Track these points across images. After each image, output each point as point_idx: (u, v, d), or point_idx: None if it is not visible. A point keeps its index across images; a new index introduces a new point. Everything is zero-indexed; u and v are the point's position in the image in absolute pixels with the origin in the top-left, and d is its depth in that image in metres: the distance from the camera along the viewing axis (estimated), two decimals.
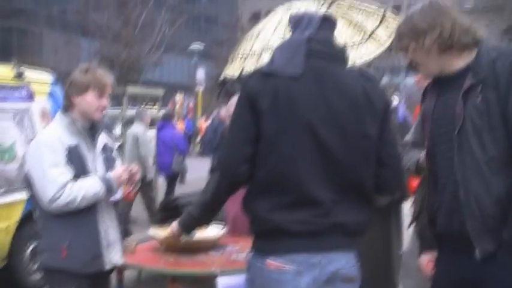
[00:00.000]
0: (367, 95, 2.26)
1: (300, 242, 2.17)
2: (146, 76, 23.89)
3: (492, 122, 2.18)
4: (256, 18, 52.26)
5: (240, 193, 2.36)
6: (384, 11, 4.75)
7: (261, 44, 4.82)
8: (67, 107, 3.06)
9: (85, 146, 3.05)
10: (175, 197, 5.79)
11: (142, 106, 13.99)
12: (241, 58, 4.94)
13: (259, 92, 2.20)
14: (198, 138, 27.84)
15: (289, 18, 2.43)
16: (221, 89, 5.14)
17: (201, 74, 28.50)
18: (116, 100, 10.72)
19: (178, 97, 34.23)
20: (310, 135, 2.19)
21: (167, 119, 10.20)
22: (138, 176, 3.24)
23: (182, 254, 3.58)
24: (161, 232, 3.85)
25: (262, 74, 2.25)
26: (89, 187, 2.95)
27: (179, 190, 9.80)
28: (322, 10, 4.89)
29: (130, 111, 10.22)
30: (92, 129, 3.10)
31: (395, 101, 9.46)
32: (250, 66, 4.82)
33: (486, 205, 2.19)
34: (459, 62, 2.32)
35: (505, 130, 2.17)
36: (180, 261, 3.50)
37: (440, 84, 2.41)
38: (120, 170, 3.11)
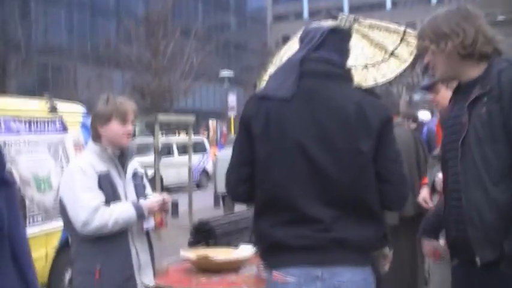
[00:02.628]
0: (362, 111, 2.24)
1: (300, 256, 2.21)
2: (178, 104, 24.29)
3: (495, 133, 2.19)
4: (285, 42, 52.57)
5: None
6: (405, 30, 4.80)
7: None
8: (95, 137, 3.20)
9: (116, 173, 3.17)
10: (207, 220, 5.86)
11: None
12: (266, 81, 5.03)
13: (252, 117, 2.29)
14: None
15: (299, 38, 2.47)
16: None
17: (232, 99, 28.82)
18: (149, 128, 10.94)
19: (211, 124, 34.53)
20: (302, 156, 2.22)
21: None
22: (169, 205, 3.36)
23: (214, 274, 3.67)
24: (193, 253, 3.95)
25: (257, 98, 2.34)
26: (121, 212, 3.06)
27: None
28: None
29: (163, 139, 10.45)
30: (121, 156, 3.22)
31: (425, 116, 9.47)
32: None
33: (487, 215, 2.19)
34: (475, 71, 2.32)
35: (506, 142, 2.17)
36: (211, 281, 3.58)
37: (457, 93, 2.44)
38: (153, 198, 3.24)
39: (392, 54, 4.72)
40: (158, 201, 3.23)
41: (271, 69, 5.29)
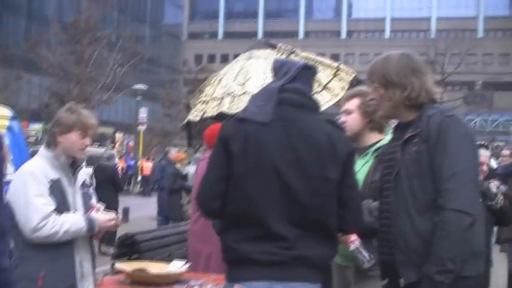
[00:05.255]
0: (332, 141, 2.47)
1: (263, 271, 2.38)
2: (96, 115, 23.72)
3: (422, 170, 2.49)
4: (198, 61, 52.92)
5: (213, 232, 2.60)
6: (338, 65, 5.12)
7: (223, 90, 5.07)
8: (51, 143, 3.22)
9: (66, 181, 3.20)
10: (133, 234, 5.89)
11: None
12: (203, 102, 5.18)
13: (231, 136, 2.45)
14: (139, 178, 27.77)
15: (272, 64, 2.69)
16: (187, 132, 5.35)
17: (143, 113, 28.57)
18: None
19: (118, 136, 33.91)
20: (276, 178, 2.40)
21: None
22: (117, 226, 3.43)
23: (147, 287, 3.73)
24: (128, 266, 3.99)
25: (236, 120, 2.51)
26: (73, 223, 3.10)
27: (124, 229, 9.83)
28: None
29: None
30: (72, 165, 3.26)
31: None
32: (211, 110, 5.07)
33: (412, 241, 2.50)
34: (412, 115, 2.64)
35: (431, 178, 2.47)
36: None
37: (395, 132, 2.77)
38: (107, 216, 3.29)
39: (325, 87, 5.02)
40: (110, 222, 3.28)
41: (207, 90, 5.45)
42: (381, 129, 3.38)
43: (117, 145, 33.84)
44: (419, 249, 2.48)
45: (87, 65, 17.00)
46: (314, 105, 2.59)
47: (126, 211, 13.12)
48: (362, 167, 3.30)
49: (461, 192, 2.41)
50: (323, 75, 5.01)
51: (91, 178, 3.55)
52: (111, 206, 10.51)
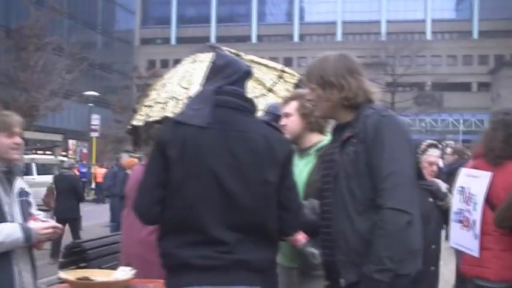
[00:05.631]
0: (269, 144, 2.46)
1: (204, 276, 2.35)
2: (44, 122, 23.24)
3: (359, 169, 2.50)
4: (151, 66, 52.51)
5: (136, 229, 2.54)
6: (282, 68, 5.15)
7: (167, 94, 5.04)
8: None
9: (1, 190, 3.11)
10: (80, 242, 5.81)
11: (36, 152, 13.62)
12: (148, 106, 5.13)
13: (169, 141, 2.42)
14: (93, 185, 27.37)
15: (215, 60, 2.66)
16: (133, 137, 5.29)
17: (96, 120, 28.19)
18: None
19: (71, 144, 33.36)
20: (215, 181, 2.38)
21: None
22: (58, 234, 3.31)
23: None
24: (71, 275, 3.93)
25: (174, 123, 2.48)
26: (9, 234, 3.00)
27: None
28: None
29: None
30: (8, 173, 3.18)
31: None
32: (155, 114, 5.02)
33: (351, 241, 2.51)
34: (349, 116, 2.65)
35: (369, 177, 2.48)
36: None
37: (334, 133, 2.79)
38: (45, 225, 3.16)
39: (270, 90, 5.04)
40: (48, 230, 3.16)
41: (153, 95, 5.40)
42: (320, 130, 3.42)
43: (70, 152, 33.33)
44: (359, 249, 2.49)
45: (34, 72, 16.58)
46: (251, 108, 2.58)
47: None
48: (304, 167, 3.33)
49: (399, 191, 2.43)
50: (267, 78, 5.03)
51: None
52: (72, 215, 10.46)
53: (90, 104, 28.40)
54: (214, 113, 2.45)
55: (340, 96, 2.61)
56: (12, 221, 3.11)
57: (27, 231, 3.06)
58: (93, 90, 29.49)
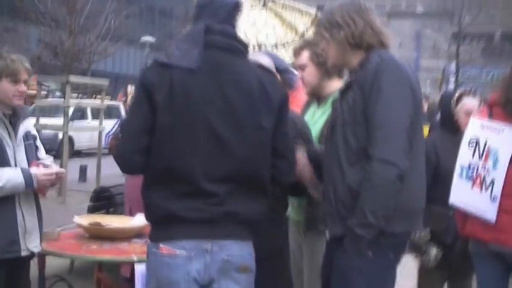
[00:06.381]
0: (264, 88, 2.28)
1: (192, 229, 2.21)
2: (97, 66, 23.39)
3: (356, 117, 2.34)
4: None
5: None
6: (316, 13, 4.90)
7: None
8: None
9: (5, 134, 3.05)
10: (108, 187, 5.82)
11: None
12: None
13: (155, 85, 2.21)
14: None
15: (197, 2, 2.41)
16: None
17: None
18: (61, 90, 10.56)
19: (130, 89, 33.88)
20: (206, 128, 2.21)
21: None
22: (62, 180, 3.27)
23: (105, 242, 3.65)
24: (85, 220, 3.92)
25: (159, 65, 2.24)
26: (10, 179, 2.95)
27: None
28: (257, 9, 5.01)
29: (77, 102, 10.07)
30: (13, 117, 3.11)
31: None
32: None
33: (340, 192, 2.36)
34: (357, 61, 2.46)
35: (365, 126, 2.31)
36: (102, 248, 3.56)
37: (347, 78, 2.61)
38: (47, 171, 3.10)
39: (302, 36, 4.82)
40: (50, 176, 3.10)
41: None
42: (340, 73, 3.19)
43: (129, 98, 33.75)
44: (346, 201, 2.34)
45: (81, 15, 16.60)
46: (243, 49, 2.37)
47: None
48: (321, 117, 3.15)
49: (390, 141, 2.25)
50: (300, 23, 4.82)
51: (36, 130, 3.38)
52: None
53: (146, 50, 28.50)
54: (205, 54, 2.25)
55: (345, 34, 2.43)
56: (16, 165, 3.06)
57: (28, 177, 3.01)
58: (151, 36, 29.50)
